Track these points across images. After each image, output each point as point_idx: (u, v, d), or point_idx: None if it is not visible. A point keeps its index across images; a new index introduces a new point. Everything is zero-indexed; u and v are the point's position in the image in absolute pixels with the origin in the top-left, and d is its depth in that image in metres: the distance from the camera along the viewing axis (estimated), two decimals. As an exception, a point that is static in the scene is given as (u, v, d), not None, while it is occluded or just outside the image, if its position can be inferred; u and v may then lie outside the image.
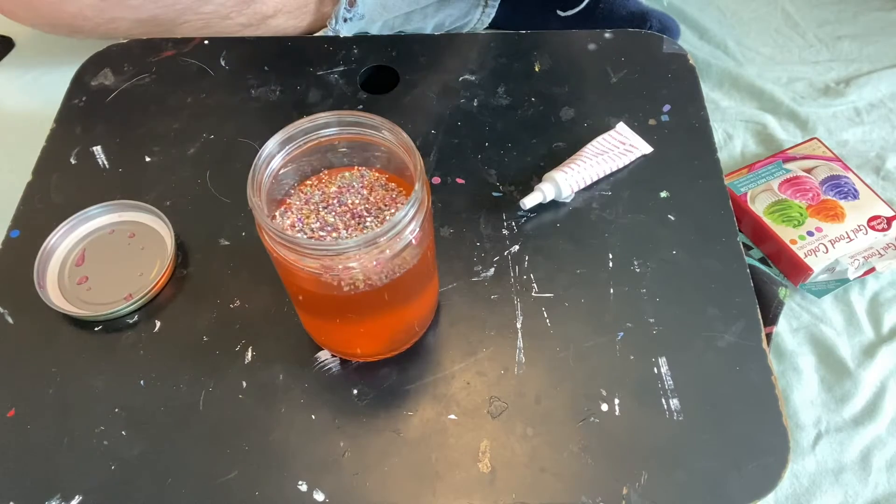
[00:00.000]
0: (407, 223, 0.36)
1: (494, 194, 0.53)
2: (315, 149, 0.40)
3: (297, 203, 0.40)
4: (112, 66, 0.62)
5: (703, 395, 0.44)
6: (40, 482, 0.42)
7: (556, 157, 0.54)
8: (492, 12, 0.77)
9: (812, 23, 1.03)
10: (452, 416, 0.44)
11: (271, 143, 0.38)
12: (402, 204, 0.40)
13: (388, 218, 0.39)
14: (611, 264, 0.50)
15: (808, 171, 0.84)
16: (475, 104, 0.58)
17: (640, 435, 0.43)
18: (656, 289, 0.48)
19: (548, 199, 0.52)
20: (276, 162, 0.38)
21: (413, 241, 0.37)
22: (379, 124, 0.38)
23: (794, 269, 0.77)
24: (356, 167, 0.41)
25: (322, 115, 0.38)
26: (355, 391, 0.45)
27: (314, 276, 0.36)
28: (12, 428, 0.44)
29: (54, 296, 0.48)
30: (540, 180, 0.53)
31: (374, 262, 0.36)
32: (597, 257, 0.50)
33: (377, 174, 0.41)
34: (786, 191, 0.82)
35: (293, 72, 0.61)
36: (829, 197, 0.81)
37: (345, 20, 0.70)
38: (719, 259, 0.50)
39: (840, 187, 0.82)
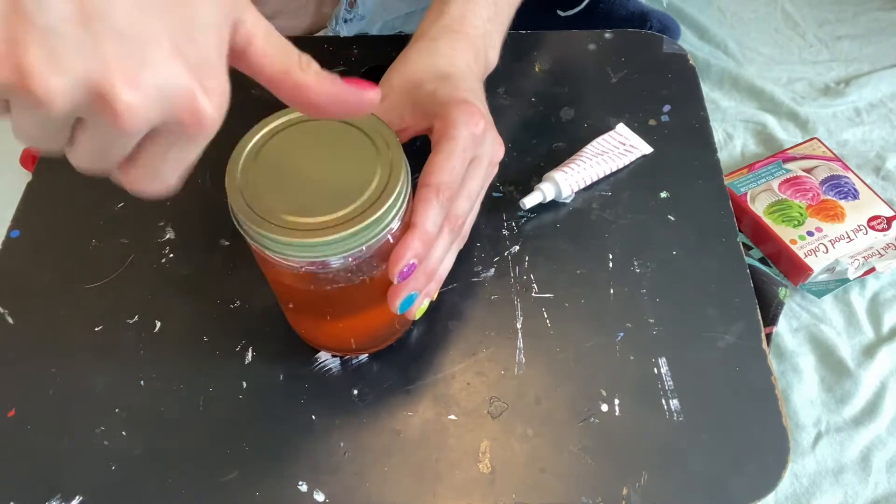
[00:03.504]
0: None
1: (494, 194, 0.53)
2: None
3: None
4: (112, 66, 0.62)
5: (703, 396, 0.44)
6: (40, 482, 0.42)
7: (556, 157, 0.54)
8: (492, 13, 0.77)
9: (812, 23, 1.04)
10: (452, 417, 0.44)
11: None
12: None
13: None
14: (611, 264, 0.50)
15: (808, 171, 0.84)
16: (475, 104, 0.59)
17: (640, 435, 0.43)
18: (656, 289, 0.48)
19: (548, 200, 0.52)
20: None
21: (390, 239, 0.37)
22: None
23: (794, 269, 0.77)
24: None
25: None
26: (355, 391, 0.45)
27: (292, 272, 0.36)
28: (12, 428, 0.44)
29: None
30: (540, 180, 0.53)
31: (352, 259, 0.36)
32: (597, 257, 0.50)
33: None
34: (786, 191, 0.82)
35: (293, 72, 0.61)
36: (829, 197, 0.82)
37: (345, 21, 0.70)
38: (719, 259, 0.50)
39: (840, 187, 0.82)
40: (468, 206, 0.41)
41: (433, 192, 0.37)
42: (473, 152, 0.39)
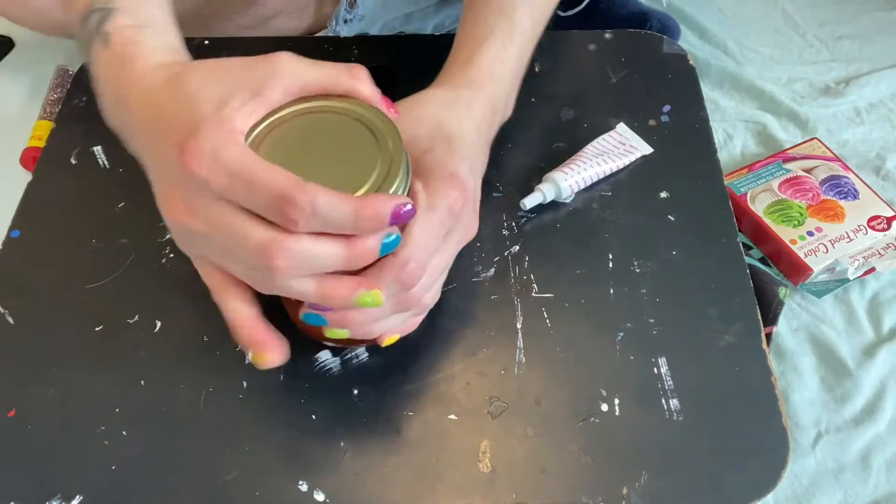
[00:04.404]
0: None
1: (494, 194, 0.53)
2: None
3: None
4: (112, 66, 0.62)
5: (703, 395, 0.44)
6: (40, 482, 0.42)
7: (556, 157, 0.54)
8: (492, 13, 0.77)
9: (812, 23, 1.03)
10: (452, 417, 0.44)
11: None
12: None
13: None
14: (611, 264, 0.50)
15: (808, 171, 0.84)
16: (475, 104, 0.58)
17: (640, 435, 0.43)
18: (656, 289, 0.48)
19: (548, 200, 0.52)
20: None
21: None
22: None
23: (794, 269, 0.77)
24: None
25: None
26: (355, 391, 0.45)
27: None
28: (12, 428, 0.44)
29: None
30: (540, 180, 0.53)
31: None
32: (597, 257, 0.50)
33: None
34: (786, 191, 0.82)
35: (293, 72, 0.61)
36: (829, 197, 0.82)
37: (345, 21, 0.70)
38: (719, 259, 0.50)
39: (840, 187, 0.82)
40: (429, 282, 0.39)
41: (398, 264, 0.36)
42: (449, 226, 0.39)
